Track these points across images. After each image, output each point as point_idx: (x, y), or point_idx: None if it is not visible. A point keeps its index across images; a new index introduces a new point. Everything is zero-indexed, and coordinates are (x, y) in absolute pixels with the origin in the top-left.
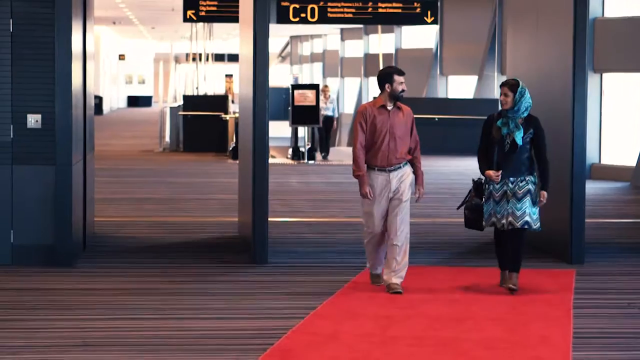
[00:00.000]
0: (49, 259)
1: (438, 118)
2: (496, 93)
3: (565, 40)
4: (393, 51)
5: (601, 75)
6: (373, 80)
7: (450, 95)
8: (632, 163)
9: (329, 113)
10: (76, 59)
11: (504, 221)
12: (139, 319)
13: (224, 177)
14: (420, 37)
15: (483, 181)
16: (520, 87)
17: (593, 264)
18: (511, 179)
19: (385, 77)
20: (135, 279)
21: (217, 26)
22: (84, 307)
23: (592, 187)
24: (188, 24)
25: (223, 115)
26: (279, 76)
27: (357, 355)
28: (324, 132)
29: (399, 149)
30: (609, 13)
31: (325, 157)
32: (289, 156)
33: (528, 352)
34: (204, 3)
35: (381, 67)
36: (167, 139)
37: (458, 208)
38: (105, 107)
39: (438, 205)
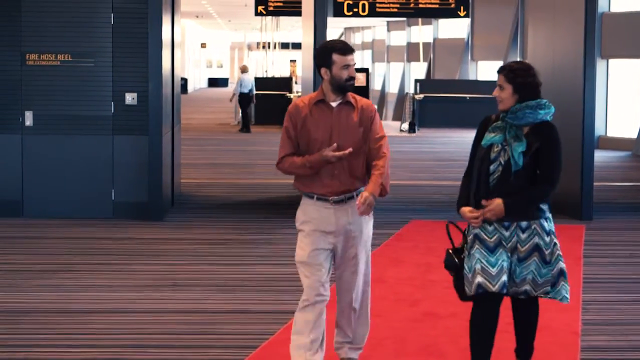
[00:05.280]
0: (143, 213)
1: (469, 97)
2: None
3: (577, 31)
4: (431, 40)
5: (607, 60)
6: (415, 65)
7: (480, 78)
8: (634, 135)
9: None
10: (166, 47)
11: (503, 278)
12: (218, 263)
13: None
14: (454, 28)
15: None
16: (527, 75)
17: (600, 221)
18: (505, 223)
19: (321, 58)
20: (214, 231)
21: (283, 19)
22: (172, 254)
23: (600, 156)
24: (259, 17)
25: (288, 94)
26: None
27: (400, 296)
28: None
29: (350, 167)
30: (615, 8)
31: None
32: None
33: None
34: (272, 0)
35: (423, 56)
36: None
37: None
38: (190, 87)
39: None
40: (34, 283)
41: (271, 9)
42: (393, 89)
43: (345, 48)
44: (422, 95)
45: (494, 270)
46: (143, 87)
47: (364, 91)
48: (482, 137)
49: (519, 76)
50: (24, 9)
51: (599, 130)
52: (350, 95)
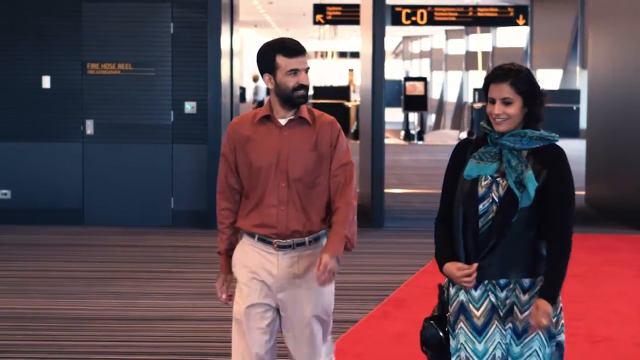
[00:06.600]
0: (201, 222)
1: None
2: (578, 84)
3: (639, 39)
4: (490, 49)
5: None
6: (473, 74)
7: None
8: None
9: None
10: (225, 56)
11: None
12: None
13: None
14: (513, 36)
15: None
16: (535, 83)
17: None
18: (501, 282)
19: (263, 61)
20: None
21: (341, 28)
22: None
23: None
24: (317, 26)
25: (346, 103)
26: (393, 70)
27: None
28: None
29: (303, 203)
30: None
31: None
32: (402, 137)
33: (606, 306)
34: (331, 9)
35: (482, 64)
36: None
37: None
38: (248, 96)
39: None
40: (94, 290)
41: (329, 17)
42: (451, 98)
43: (292, 47)
44: (480, 104)
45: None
46: (202, 96)
47: (422, 100)
48: (461, 167)
49: (529, 84)
50: (85, 19)
51: None
52: (306, 110)
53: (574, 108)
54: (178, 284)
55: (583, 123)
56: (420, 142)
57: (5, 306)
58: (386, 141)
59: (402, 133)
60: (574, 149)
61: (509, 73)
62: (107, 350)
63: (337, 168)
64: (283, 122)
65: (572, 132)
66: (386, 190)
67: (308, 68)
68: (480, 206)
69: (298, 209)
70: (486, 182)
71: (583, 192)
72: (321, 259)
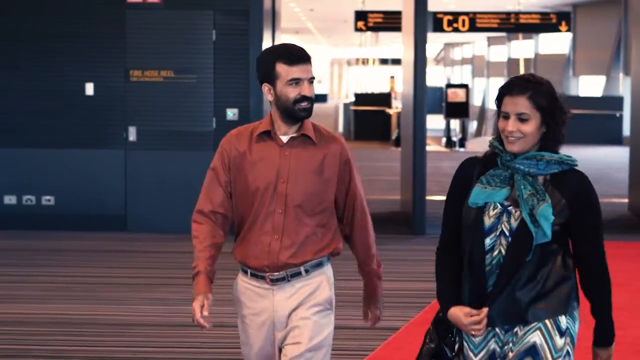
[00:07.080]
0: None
1: (571, 113)
2: (621, 90)
3: None
4: (532, 56)
5: None
6: None
7: (581, 94)
8: None
9: None
10: None
11: None
12: None
13: (388, 162)
14: (556, 43)
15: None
16: (556, 98)
17: None
18: (505, 326)
19: (262, 70)
20: None
21: (382, 35)
22: None
23: None
24: (358, 33)
25: (387, 110)
26: (435, 77)
27: None
28: None
29: (299, 233)
30: None
31: None
32: (443, 144)
33: None
34: (372, 16)
35: (524, 71)
36: (340, 129)
37: None
38: None
39: None
40: (137, 296)
41: (371, 24)
42: (493, 105)
43: (294, 54)
44: None
45: None
46: (244, 103)
47: (464, 107)
48: (466, 191)
49: (550, 99)
50: (128, 27)
51: None
52: (311, 127)
53: (617, 115)
54: (221, 291)
55: (626, 130)
56: (461, 149)
57: (49, 312)
58: (427, 148)
59: (444, 140)
60: (617, 156)
61: (528, 85)
62: (150, 356)
63: (356, 201)
64: (285, 139)
65: (615, 139)
66: (427, 197)
67: (313, 78)
68: (487, 240)
69: (293, 239)
70: (495, 211)
71: (626, 200)
72: (373, 313)
